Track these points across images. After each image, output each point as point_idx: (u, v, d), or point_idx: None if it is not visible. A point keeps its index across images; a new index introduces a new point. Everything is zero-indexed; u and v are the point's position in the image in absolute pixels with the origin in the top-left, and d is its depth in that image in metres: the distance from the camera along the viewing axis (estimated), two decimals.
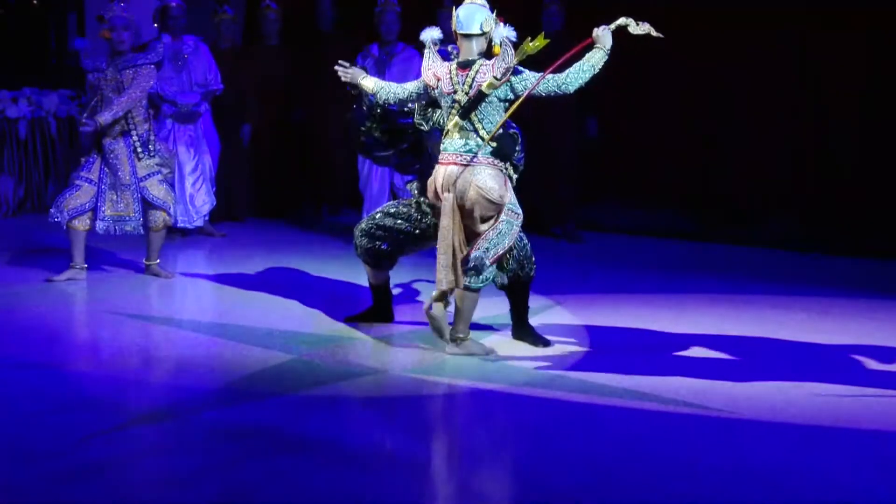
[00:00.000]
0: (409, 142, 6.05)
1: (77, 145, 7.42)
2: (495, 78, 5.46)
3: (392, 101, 5.87)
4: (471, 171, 5.54)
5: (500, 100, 5.55)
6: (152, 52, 7.28)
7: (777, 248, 8.67)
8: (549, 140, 8.58)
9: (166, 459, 4.43)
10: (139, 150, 7.19)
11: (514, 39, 5.51)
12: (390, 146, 6.09)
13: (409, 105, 5.91)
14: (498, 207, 5.57)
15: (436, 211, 5.76)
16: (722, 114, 9.34)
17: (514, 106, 5.52)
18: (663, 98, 9.48)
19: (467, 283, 5.57)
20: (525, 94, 5.49)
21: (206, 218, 9.00)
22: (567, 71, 5.51)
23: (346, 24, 9.50)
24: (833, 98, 9.01)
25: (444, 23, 6.75)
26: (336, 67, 5.96)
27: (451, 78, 5.59)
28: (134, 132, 7.18)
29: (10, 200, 9.66)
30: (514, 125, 5.73)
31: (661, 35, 5.54)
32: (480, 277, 5.55)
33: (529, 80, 5.52)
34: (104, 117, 7.04)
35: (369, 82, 5.92)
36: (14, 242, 8.54)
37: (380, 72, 8.18)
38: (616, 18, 5.57)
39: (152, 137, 7.28)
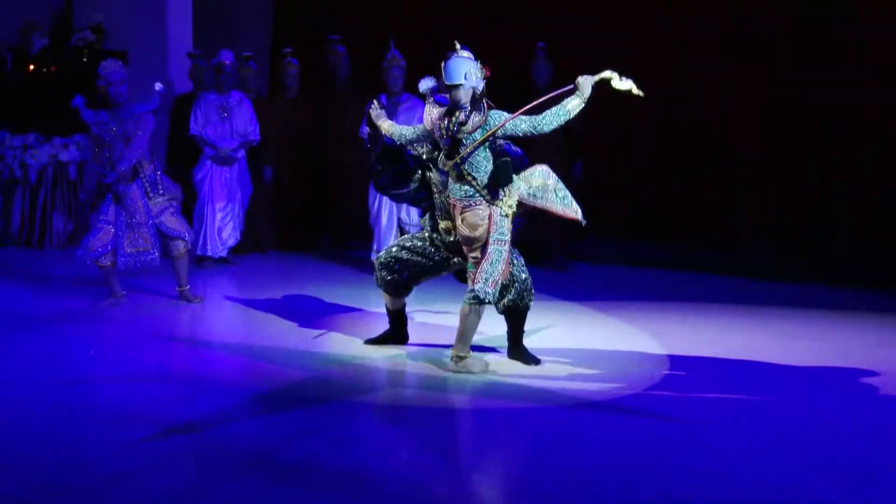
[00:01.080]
0: (418, 181, 6.06)
1: (88, 191, 7.46)
2: (469, 123, 5.51)
3: (402, 141, 5.94)
4: (461, 210, 5.65)
5: (475, 140, 5.56)
6: (150, 101, 7.28)
7: (750, 276, 8.62)
8: None
9: (184, 471, 4.39)
10: (149, 190, 7.24)
11: (481, 91, 5.54)
12: (403, 185, 6.09)
13: (417, 146, 5.94)
14: (481, 240, 5.62)
15: (448, 245, 5.88)
16: (699, 149, 9.26)
17: (484, 138, 5.51)
18: (642, 136, 9.45)
19: (465, 299, 5.66)
20: (497, 128, 5.50)
21: (228, 251, 9.07)
22: (545, 113, 5.53)
23: (356, 76, 9.53)
24: (801, 129, 8.91)
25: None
26: (370, 106, 6.05)
27: (440, 124, 5.65)
28: (142, 175, 7.21)
29: (61, 234, 9.70)
30: (515, 149, 5.74)
31: (641, 94, 5.49)
32: (479, 296, 5.61)
33: (498, 121, 5.55)
34: (122, 167, 7.08)
35: (386, 123, 6.01)
36: (64, 271, 8.57)
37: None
38: (602, 71, 5.55)
39: (158, 176, 7.31)
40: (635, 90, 5.48)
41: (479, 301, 5.62)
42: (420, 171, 6.03)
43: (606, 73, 5.53)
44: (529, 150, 5.93)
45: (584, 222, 5.71)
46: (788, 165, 9.01)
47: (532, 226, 5.97)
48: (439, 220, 5.97)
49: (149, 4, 10.03)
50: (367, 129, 6.17)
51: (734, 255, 9.00)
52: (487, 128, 5.53)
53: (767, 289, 8.26)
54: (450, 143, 5.58)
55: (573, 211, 5.71)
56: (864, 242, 8.66)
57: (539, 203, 5.71)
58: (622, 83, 5.49)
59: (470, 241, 5.67)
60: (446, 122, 5.61)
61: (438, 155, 5.89)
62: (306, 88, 9.58)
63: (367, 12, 10.04)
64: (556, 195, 5.71)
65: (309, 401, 5.29)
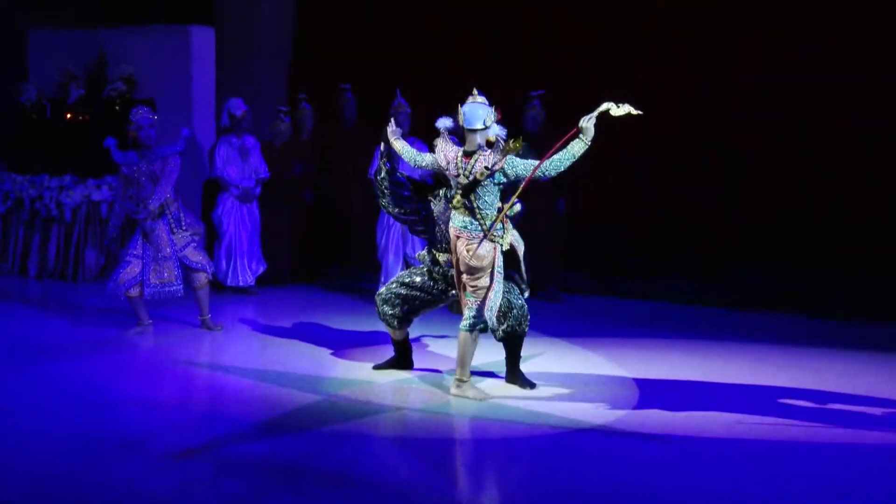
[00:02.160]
0: (421, 215, 5.95)
1: (117, 225, 7.38)
2: (486, 167, 5.47)
3: (413, 164, 5.88)
4: (464, 240, 5.56)
5: (494, 183, 5.53)
6: (176, 143, 7.25)
7: (727, 306, 8.48)
8: (533, 217, 8.43)
9: (203, 490, 4.31)
10: (174, 226, 7.19)
11: (504, 137, 5.52)
12: (405, 207, 5.96)
13: (422, 174, 5.90)
14: (487, 271, 5.54)
15: (446, 277, 5.83)
16: (680, 182, 9.13)
17: (516, 195, 5.49)
18: (625, 175, 9.32)
19: (461, 327, 5.61)
20: (523, 186, 5.48)
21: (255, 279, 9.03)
22: (552, 160, 5.46)
23: (364, 120, 9.47)
24: (777, 158, 8.77)
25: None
26: (389, 126, 6.00)
27: (457, 163, 5.58)
28: (168, 212, 7.16)
29: (92, 268, 9.62)
30: (519, 200, 5.70)
31: (640, 112, 5.36)
32: (475, 323, 5.57)
33: (519, 167, 5.50)
34: (153, 205, 7.05)
35: (399, 143, 5.95)
36: (95, 302, 8.50)
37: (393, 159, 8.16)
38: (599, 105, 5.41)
39: (182, 213, 7.26)
40: (633, 111, 5.38)
41: (482, 328, 5.57)
42: (420, 203, 5.93)
43: (604, 106, 5.42)
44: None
45: (526, 290, 5.82)
46: (764, 199, 8.88)
47: (526, 259, 5.84)
48: (438, 254, 5.87)
49: (175, 57, 10.04)
50: (376, 170, 6.04)
51: (713, 286, 8.85)
52: (506, 171, 5.48)
53: (744, 318, 8.14)
54: (470, 181, 5.50)
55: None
56: (836, 274, 8.50)
57: (519, 249, 5.72)
58: (620, 109, 5.37)
59: (474, 271, 5.56)
60: (464, 162, 5.54)
61: (441, 190, 5.80)
62: (320, 130, 9.52)
63: (375, 63, 10.01)
64: (523, 247, 5.78)
65: (321, 423, 5.21)
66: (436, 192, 5.93)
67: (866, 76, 8.40)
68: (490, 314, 5.54)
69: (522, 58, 9.53)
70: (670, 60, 9.01)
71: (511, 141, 5.47)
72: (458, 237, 5.59)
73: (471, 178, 5.50)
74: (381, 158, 5.95)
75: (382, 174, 5.94)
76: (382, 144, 5.98)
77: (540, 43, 9.46)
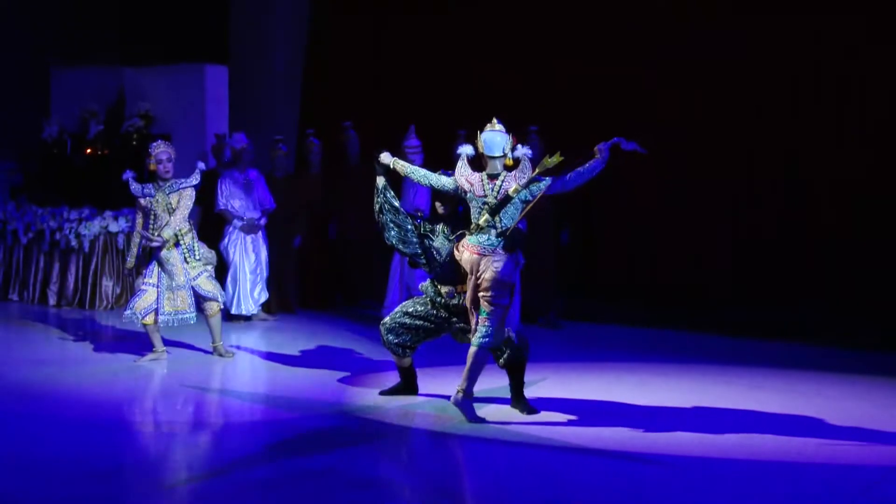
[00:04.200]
0: (422, 248, 5.93)
1: (134, 255, 7.35)
2: (519, 185, 5.60)
3: (424, 183, 5.90)
4: (489, 259, 5.57)
5: (521, 201, 5.64)
6: (192, 176, 7.25)
7: (724, 334, 8.42)
8: (534, 246, 8.41)
9: None
10: (188, 255, 7.17)
11: (530, 156, 5.69)
12: (407, 241, 5.93)
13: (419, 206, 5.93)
14: (509, 287, 5.59)
15: (448, 307, 5.82)
16: (678, 213, 9.09)
17: (530, 205, 5.63)
18: (622, 207, 9.30)
19: (475, 342, 5.61)
20: (537, 197, 5.62)
21: (260, 307, 8.95)
22: (570, 174, 5.64)
23: (369, 156, 9.47)
24: (765, 188, 8.75)
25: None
26: (382, 155, 5.94)
27: (483, 185, 5.65)
28: (182, 242, 7.14)
29: (109, 296, 9.59)
30: (522, 223, 5.76)
31: (646, 151, 5.61)
32: (489, 341, 5.59)
33: (542, 184, 5.64)
34: (167, 233, 7.04)
35: (401, 165, 5.90)
36: (111, 330, 8.48)
37: (412, 190, 8.30)
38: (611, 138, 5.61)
39: (196, 244, 7.25)
40: (640, 149, 5.62)
41: (501, 344, 5.62)
42: (420, 237, 5.90)
43: (615, 140, 5.65)
44: (526, 217, 5.84)
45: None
46: (756, 230, 8.85)
47: (529, 288, 5.85)
48: (440, 286, 5.86)
49: (190, 94, 10.09)
50: (377, 207, 5.97)
51: (709, 315, 8.79)
52: (531, 189, 5.61)
53: (740, 345, 8.10)
54: (499, 200, 5.61)
55: None
56: (828, 303, 8.45)
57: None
58: (628, 145, 5.65)
59: (497, 288, 5.55)
60: (490, 183, 5.65)
61: (439, 226, 5.81)
62: (327, 165, 9.53)
63: (380, 100, 10.05)
64: None
65: (328, 446, 5.18)
66: (433, 228, 5.93)
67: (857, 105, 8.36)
68: (509, 328, 5.59)
69: (522, 94, 9.54)
70: (665, 93, 9.01)
71: (547, 157, 5.62)
72: (481, 255, 5.58)
73: (500, 197, 5.60)
74: (378, 195, 5.92)
75: (381, 208, 5.91)
76: (379, 181, 5.92)
77: (536, 82, 9.48)
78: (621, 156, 5.67)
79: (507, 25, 9.58)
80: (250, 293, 8.80)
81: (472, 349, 5.62)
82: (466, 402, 5.63)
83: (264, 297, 8.91)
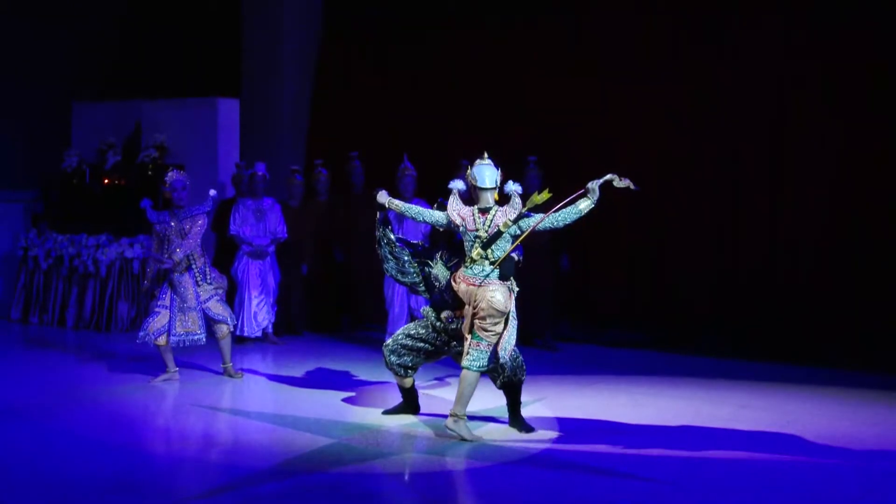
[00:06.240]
0: (421, 277, 5.96)
1: (150, 278, 7.38)
2: (509, 219, 5.58)
3: (419, 220, 5.93)
4: (485, 289, 5.57)
5: (511, 235, 5.64)
6: (204, 204, 7.32)
7: (711, 355, 8.41)
8: (533, 270, 8.42)
9: None
10: (199, 279, 7.21)
11: (520, 192, 5.66)
12: (406, 271, 5.97)
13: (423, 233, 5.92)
14: (504, 315, 5.57)
15: (448, 331, 5.82)
16: (672, 240, 9.06)
17: (519, 240, 5.63)
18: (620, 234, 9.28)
19: (467, 365, 5.62)
20: (527, 231, 5.60)
21: (270, 330, 8.99)
22: (560, 212, 5.58)
23: (372, 184, 9.50)
24: (750, 211, 8.69)
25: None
26: (378, 194, 5.97)
27: (474, 219, 5.66)
28: (195, 266, 7.19)
29: (125, 319, 9.62)
30: (519, 250, 5.75)
31: (638, 188, 5.55)
32: (480, 365, 5.60)
33: (531, 221, 5.61)
34: (178, 256, 7.08)
35: (397, 203, 5.94)
36: (127, 350, 8.49)
37: (399, 221, 8.26)
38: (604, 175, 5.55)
39: (207, 268, 7.29)
40: (633, 186, 5.54)
41: (503, 368, 5.63)
42: (419, 266, 5.94)
43: (608, 176, 5.57)
44: (524, 243, 5.86)
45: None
46: (738, 256, 8.82)
47: (525, 310, 5.86)
48: (439, 311, 5.86)
49: (203, 127, 10.16)
50: (376, 239, 6.01)
51: (703, 336, 8.77)
52: (520, 225, 5.59)
53: (731, 366, 8.10)
54: (490, 235, 5.61)
55: None
56: (812, 324, 8.42)
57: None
58: (621, 182, 5.55)
59: (493, 317, 5.58)
60: (482, 218, 5.64)
61: (438, 254, 5.83)
62: (335, 194, 9.57)
63: (385, 131, 10.10)
64: None
65: (334, 464, 5.17)
66: (431, 255, 5.97)
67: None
68: (504, 354, 5.59)
69: (519, 126, 9.56)
70: (653, 121, 9.00)
71: (536, 193, 5.62)
72: (478, 286, 5.60)
73: (491, 231, 5.59)
74: (378, 229, 5.97)
75: (380, 242, 5.96)
76: (378, 216, 5.98)
77: (533, 113, 9.50)
78: (614, 191, 5.57)
79: (512, 57, 9.59)
80: (254, 317, 8.81)
81: (463, 372, 5.64)
82: (461, 423, 5.63)
83: (267, 322, 8.92)
